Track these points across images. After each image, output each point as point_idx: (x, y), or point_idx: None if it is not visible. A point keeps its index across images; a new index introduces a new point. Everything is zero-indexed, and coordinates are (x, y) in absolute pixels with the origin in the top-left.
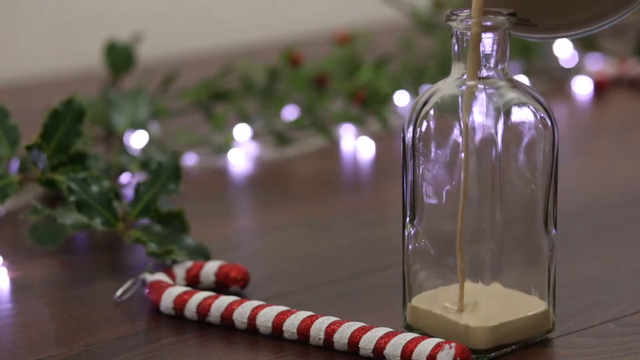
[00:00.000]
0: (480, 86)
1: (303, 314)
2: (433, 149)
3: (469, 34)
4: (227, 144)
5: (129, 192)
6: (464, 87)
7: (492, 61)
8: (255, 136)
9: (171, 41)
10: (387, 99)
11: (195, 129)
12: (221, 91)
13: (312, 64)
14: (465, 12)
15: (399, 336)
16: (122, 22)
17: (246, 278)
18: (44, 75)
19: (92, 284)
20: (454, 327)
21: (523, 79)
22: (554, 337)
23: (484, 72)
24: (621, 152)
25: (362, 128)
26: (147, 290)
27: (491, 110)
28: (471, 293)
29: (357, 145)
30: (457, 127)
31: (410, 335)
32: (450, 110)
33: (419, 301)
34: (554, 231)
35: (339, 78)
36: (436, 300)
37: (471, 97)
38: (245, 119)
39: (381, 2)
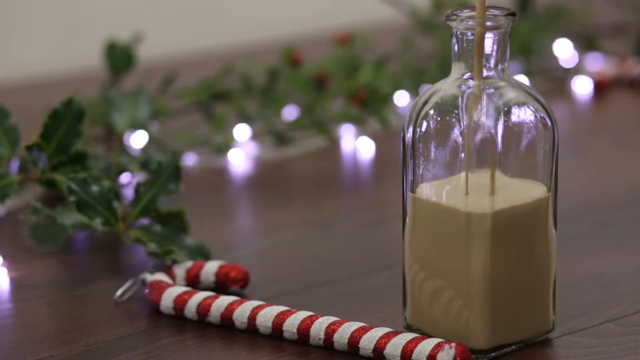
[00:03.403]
0: (482, 87)
1: (303, 314)
2: (433, 149)
3: (469, 34)
4: (227, 144)
5: (129, 192)
6: (464, 87)
7: (492, 61)
8: (255, 136)
9: (171, 41)
10: (387, 99)
11: (195, 129)
12: (221, 91)
13: (312, 64)
14: (466, 12)
15: (399, 336)
16: (122, 22)
17: (246, 278)
18: (44, 75)
19: (92, 284)
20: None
21: (523, 79)
22: (554, 337)
23: (484, 72)
24: (621, 152)
25: (362, 128)
26: (147, 290)
27: (491, 110)
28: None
29: (357, 145)
30: (457, 127)
31: (410, 335)
32: (450, 110)
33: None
34: (554, 231)
35: (339, 78)
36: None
37: (477, 97)
38: (245, 119)
39: (381, 2)
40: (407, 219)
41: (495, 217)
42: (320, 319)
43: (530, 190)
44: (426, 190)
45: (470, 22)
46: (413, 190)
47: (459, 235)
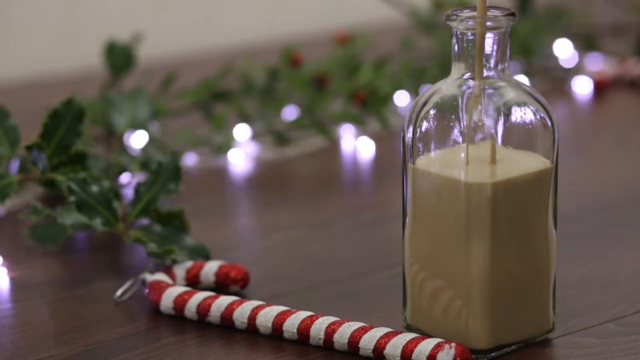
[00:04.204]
0: (482, 87)
1: (303, 314)
2: (433, 149)
3: (469, 34)
4: (227, 144)
5: (129, 192)
6: (464, 87)
7: (492, 61)
8: (255, 136)
9: (171, 41)
10: (387, 99)
11: (195, 129)
12: (221, 91)
13: (312, 64)
14: (466, 12)
15: (399, 336)
16: (122, 22)
17: (246, 278)
18: (44, 75)
19: (92, 284)
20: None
21: (523, 79)
22: (554, 337)
23: (484, 72)
24: (621, 152)
25: (362, 128)
26: (147, 290)
27: (491, 110)
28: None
29: (357, 145)
30: (457, 127)
31: (410, 335)
32: (450, 110)
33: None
34: (554, 231)
35: (339, 78)
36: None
37: (477, 97)
38: (245, 119)
39: (381, 2)
40: (407, 193)
41: (495, 187)
42: (320, 319)
43: (532, 162)
44: (426, 162)
45: (470, 22)
46: (413, 163)
47: (458, 207)
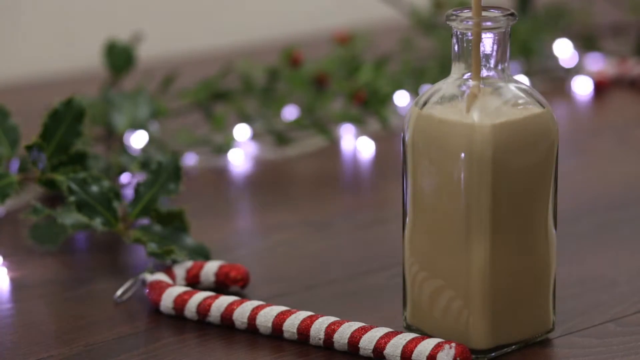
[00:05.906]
0: (481, 86)
1: (303, 314)
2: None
3: (469, 34)
4: (227, 144)
5: (129, 192)
6: (464, 87)
7: (492, 61)
8: (255, 136)
9: (171, 41)
10: (387, 99)
11: (195, 129)
12: (221, 91)
13: (312, 64)
14: (466, 12)
15: (399, 336)
16: (122, 22)
17: (246, 278)
18: (44, 75)
19: (92, 284)
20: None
21: (523, 79)
22: (554, 337)
23: (484, 72)
24: (621, 152)
25: (362, 128)
26: (147, 290)
27: (491, 109)
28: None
29: (357, 145)
30: None
31: (410, 335)
32: None
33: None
34: (553, 230)
35: (339, 78)
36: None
37: (475, 95)
38: (245, 119)
39: (381, 2)
40: (407, 184)
41: (497, 129)
42: (320, 319)
43: (534, 109)
44: (428, 107)
45: (470, 22)
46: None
47: (458, 153)
